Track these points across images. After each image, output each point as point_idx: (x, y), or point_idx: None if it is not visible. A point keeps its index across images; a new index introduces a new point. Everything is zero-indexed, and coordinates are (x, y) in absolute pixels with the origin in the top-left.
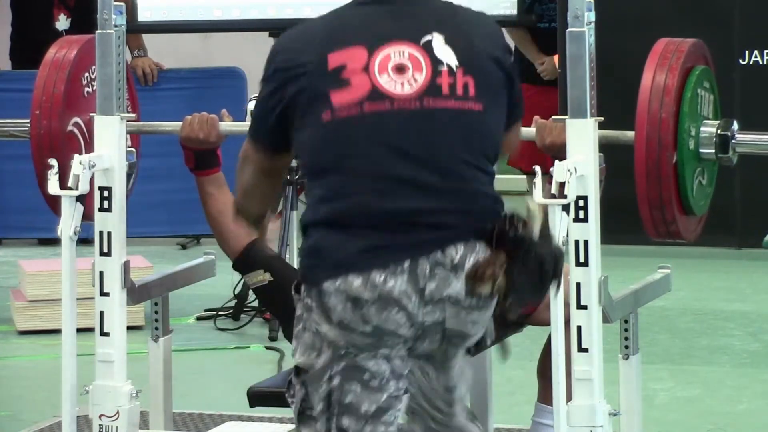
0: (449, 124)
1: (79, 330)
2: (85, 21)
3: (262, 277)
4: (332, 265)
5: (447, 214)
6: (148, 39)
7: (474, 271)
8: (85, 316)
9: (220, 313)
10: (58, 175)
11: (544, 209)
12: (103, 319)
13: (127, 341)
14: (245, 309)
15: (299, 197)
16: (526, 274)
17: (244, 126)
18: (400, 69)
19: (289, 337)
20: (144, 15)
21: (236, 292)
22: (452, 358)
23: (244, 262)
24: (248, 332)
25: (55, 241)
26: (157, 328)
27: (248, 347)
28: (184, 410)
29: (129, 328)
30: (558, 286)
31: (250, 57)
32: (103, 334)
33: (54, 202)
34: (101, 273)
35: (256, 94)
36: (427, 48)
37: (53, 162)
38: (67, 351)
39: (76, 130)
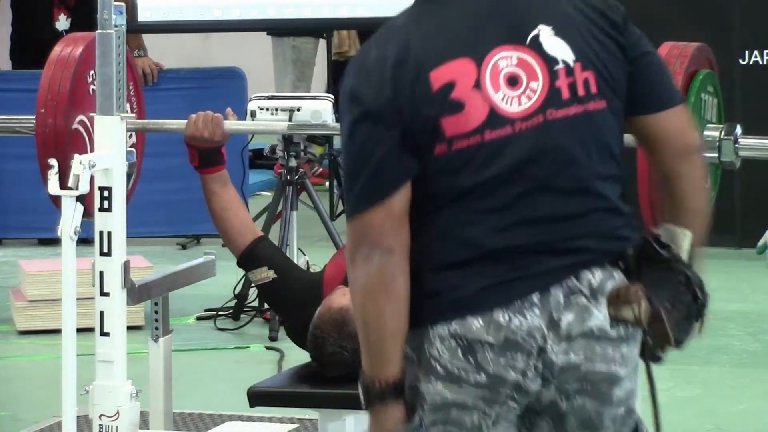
0: (575, 134)
1: (79, 330)
2: (85, 21)
3: (266, 274)
4: (447, 307)
5: (580, 238)
6: (148, 39)
7: (616, 293)
8: (85, 316)
9: (220, 313)
10: (58, 175)
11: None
12: (103, 319)
13: (127, 341)
14: (245, 309)
15: (299, 197)
16: (673, 300)
17: (249, 125)
18: (513, 81)
19: (292, 336)
20: (144, 15)
21: (236, 292)
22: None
23: (248, 259)
24: (248, 332)
25: (55, 241)
26: (157, 328)
27: (248, 347)
28: (184, 410)
29: (129, 328)
30: (703, 319)
31: (250, 57)
32: (103, 334)
33: (57, 201)
34: (101, 273)
35: (258, 94)
36: (536, 47)
37: (53, 162)
38: (67, 351)
39: (81, 128)
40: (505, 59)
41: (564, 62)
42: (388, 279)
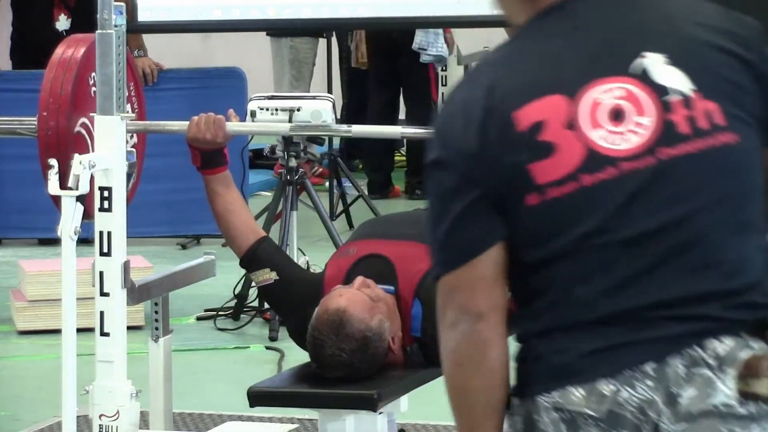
0: (698, 175)
1: (79, 330)
2: (85, 21)
3: (269, 275)
4: (549, 374)
5: (706, 302)
6: (148, 39)
7: (747, 364)
8: (85, 316)
9: (220, 313)
10: (58, 175)
11: None
12: (103, 319)
13: (127, 341)
14: (245, 309)
15: (299, 197)
16: None
17: (251, 126)
18: (618, 115)
19: (293, 336)
20: (144, 15)
21: (236, 292)
22: None
23: (250, 260)
24: (248, 332)
25: (55, 241)
26: (157, 328)
27: (248, 347)
28: (184, 410)
29: (129, 328)
30: None
31: (250, 57)
32: (103, 334)
33: (57, 201)
34: (101, 273)
35: (258, 95)
36: (643, 77)
37: (53, 162)
38: (67, 351)
39: (83, 131)
40: (608, 92)
41: (679, 92)
42: (478, 349)
